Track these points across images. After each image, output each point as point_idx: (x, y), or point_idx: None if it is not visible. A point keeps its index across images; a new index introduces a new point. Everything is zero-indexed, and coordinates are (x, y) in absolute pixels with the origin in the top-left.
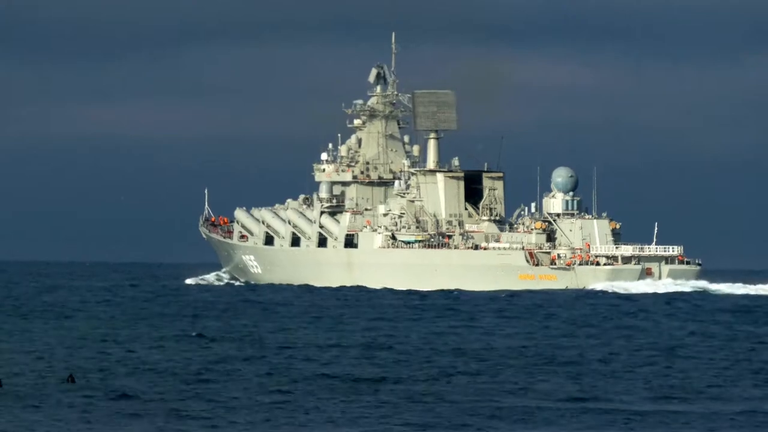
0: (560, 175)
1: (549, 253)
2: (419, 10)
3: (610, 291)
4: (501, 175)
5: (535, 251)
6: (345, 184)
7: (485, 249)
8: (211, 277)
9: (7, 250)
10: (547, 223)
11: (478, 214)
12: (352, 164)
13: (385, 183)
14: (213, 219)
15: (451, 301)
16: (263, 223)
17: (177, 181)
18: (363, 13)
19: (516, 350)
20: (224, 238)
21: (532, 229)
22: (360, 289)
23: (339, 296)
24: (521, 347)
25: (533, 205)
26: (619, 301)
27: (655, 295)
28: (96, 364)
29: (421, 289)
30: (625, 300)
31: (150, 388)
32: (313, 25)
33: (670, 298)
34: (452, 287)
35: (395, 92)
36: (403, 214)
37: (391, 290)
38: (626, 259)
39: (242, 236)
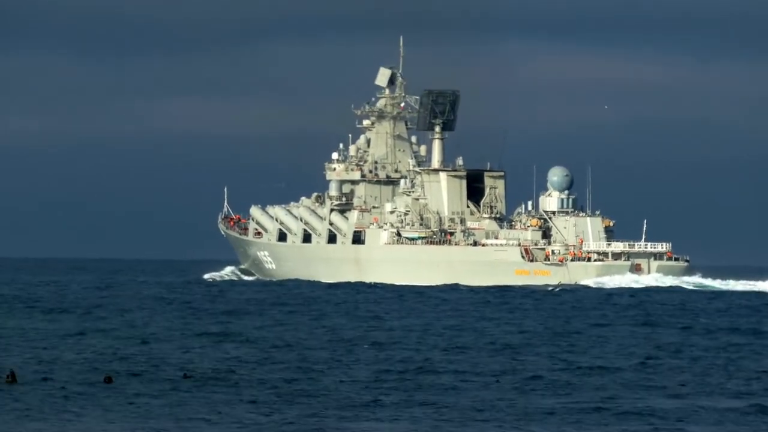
0: (556, 174)
1: (543, 249)
2: (428, 6)
3: (593, 285)
4: (502, 173)
5: (531, 247)
6: (354, 182)
7: (484, 245)
8: (224, 272)
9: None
10: (542, 221)
11: (480, 211)
12: (361, 163)
13: (392, 182)
14: (236, 218)
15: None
16: (277, 220)
17: (196, 178)
18: (375, 12)
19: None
20: (240, 234)
21: (528, 227)
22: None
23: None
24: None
25: (530, 203)
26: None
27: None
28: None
29: (423, 284)
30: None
31: None
32: (328, 26)
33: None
34: (453, 282)
35: (403, 94)
36: (408, 211)
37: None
38: (616, 256)
39: (257, 233)
